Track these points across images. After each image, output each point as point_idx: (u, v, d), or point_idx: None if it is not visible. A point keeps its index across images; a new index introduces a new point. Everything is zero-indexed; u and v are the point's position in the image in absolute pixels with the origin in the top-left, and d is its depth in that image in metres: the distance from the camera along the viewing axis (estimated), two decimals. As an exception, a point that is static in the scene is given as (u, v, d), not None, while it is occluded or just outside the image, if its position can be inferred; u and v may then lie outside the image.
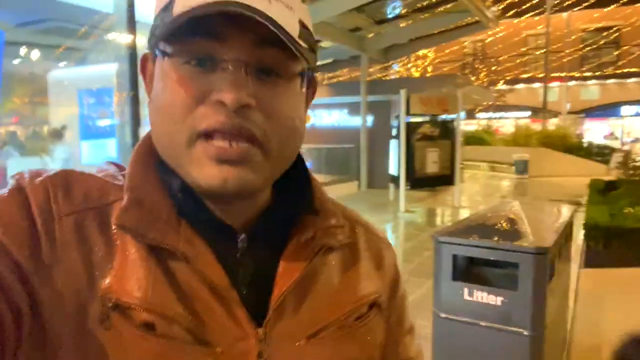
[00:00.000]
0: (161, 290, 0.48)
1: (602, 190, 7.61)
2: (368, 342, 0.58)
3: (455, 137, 9.78)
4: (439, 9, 11.79)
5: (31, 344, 0.45)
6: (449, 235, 2.17)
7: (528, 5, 23.99)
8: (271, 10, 0.46)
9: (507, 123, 24.92)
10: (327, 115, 13.23)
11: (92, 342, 0.46)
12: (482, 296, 2.08)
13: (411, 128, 9.21)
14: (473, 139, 18.25)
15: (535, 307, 1.99)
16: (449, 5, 11.37)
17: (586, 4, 24.14)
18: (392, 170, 9.94)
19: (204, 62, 0.47)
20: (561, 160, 15.51)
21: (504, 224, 2.43)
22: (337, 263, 0.58)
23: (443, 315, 2.18)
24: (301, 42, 0.48)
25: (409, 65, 23.08)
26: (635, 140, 21.99)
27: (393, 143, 9.81)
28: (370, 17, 11.51)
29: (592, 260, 4.80)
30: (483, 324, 2.07)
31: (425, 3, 11.49)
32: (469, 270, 2.16)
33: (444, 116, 9.79)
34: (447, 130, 9.76)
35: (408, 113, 9.05)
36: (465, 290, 2.12)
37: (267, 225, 0.55)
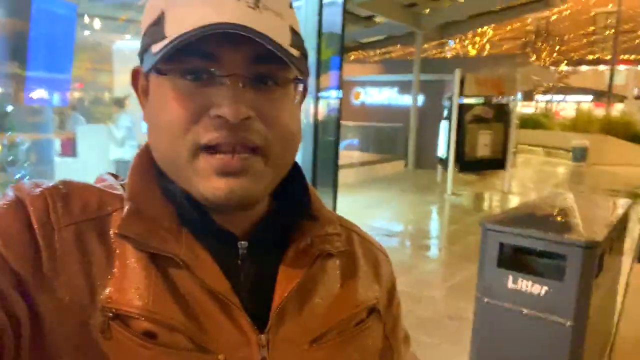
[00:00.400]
0: (162, 298, 0.48)
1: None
2: (368, 347, 0.59)
3: (510, 120, 9.47)
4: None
5: (31, 355, 0.45)
6: (497, 223, 2.19)
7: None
8: (262, 21, 0.46)
9: (568, 107, 23.69)
10: (377, 93, 13.11)
11: (93, 352, 0.46)
12: (526, 285, 2.11)
13: (464, 109, 9.00)
14: (530, 122, 17.54)
15: (579, 300, 2.00)
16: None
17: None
18: (441, 151, 9.79)
19: (200, 77, 0.48)
20: (623, 149, 14.67)
21: (554, 215, 2.42)
22: (335, 269, 0.58)
23: (486, 300, 2.23)
24: (293, 51, 0.49)
25: (466, 42, 22.25)
26: None
27: (443, 124, 9.63)
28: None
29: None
30: (526, 311, 2.11)
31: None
32: (515, 259, 2.19)
33: (498, 98, 9.48)
34: (501, 113, 9.47)
35: (461, 94, 8.83)
36: (510, 278, 2.15)
37: (267, 232, 0.55)
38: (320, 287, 0.56)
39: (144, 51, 0.51)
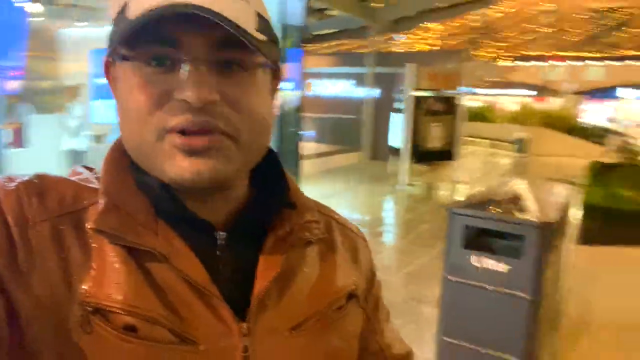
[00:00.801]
0: (141, 292, 0.48)
1: (600, 172, 7.82)
2: (348, 332, 0.60)
3: (458, 113, 9.90)
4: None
5: (10, 351, 0.45)
6: (462, 207, 2.36)
7: (539, -19, 23.58)
8: (225, 5, 0.46)
9: (510, 101, 24.92)
10: (331, 85, 13.25)
11: (73, 347, 0.46)
12: (489, 263, 2.29)
13: (416, 102, 9.31)
14: (475, 116, 18.34)
15: (536, 275, 2.20)
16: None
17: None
18: (393, 142, 10.08)
19: (163, 62, 0.48)
20: (560, 141, 15.67)
21: (511, 200, 2.62)
22: (314, 256, 0.59)
23: (452, 278, 2.39)
24: (258, 36, 0.48)
25: (416, 38, 22.87)
26: (637, 125, 22.11)
27: (395, 116, 9.91)
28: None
29: (588, 238, 5.04)
30: (489, 287, 2.29)
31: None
32: (478, 240, 2.36)
33: (448, 91, 9.88)
34: (451, 106, 9.87)
35: (414, 87, 9.13)
36: (474, 257, 2.33)
37: (245, 221, 0.55)
38: (300, 275, 0.56)
39: (110, 41, 0.50)
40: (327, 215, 0.65)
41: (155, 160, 0.50)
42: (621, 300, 3.88)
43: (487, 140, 17.50)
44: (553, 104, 21.03)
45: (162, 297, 0.49)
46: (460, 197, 5.35)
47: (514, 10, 24.34)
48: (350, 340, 0.60)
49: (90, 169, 0.57)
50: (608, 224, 5.34)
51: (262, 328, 0.52)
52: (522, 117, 17.43)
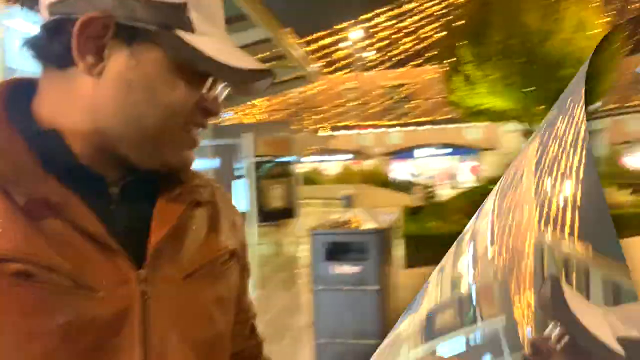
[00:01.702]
0: (34, 240, 0.48)
1: (411, 212, 9.60)
2: (231, 284, 0.66)
3: (293, 176, 11.11)
4: (270, 64, 13.25)
5: None
6: (322, 229, 3.05)
7: (342, 63, 27.78)
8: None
9: (332, 165, 27.89)
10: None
11: None
12: (344, 269, 2.98)
13: (256, 167, 10.21)
14: (306, 180, 20.18)
15: (379, 270, 2.96)
16: (276, 62, 12.93)
17: (386, 65, 28.98)
18: (238, 207, 10.64)
19: (205, 75, 0.57)
20: (377, 193, 18.25)
21: (352, 222, 3.42)
22: (203, 217, 0.64)
23: (319, 287, 3.01)
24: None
25: (243, 113, 24.50)
26: (430, 177, 26.77)
27: (237, 183, 10.63)
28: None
29: (409, 262, 6.26)
30: (347, 287, 2.96)
31: (256, 58, 12.80)
32: (335, 252, 3.06)
33: (282, 158, 11.09)
34: (286, 169, 11.04)
35: (253, 154, 10.03)
36: (333, 266, 3.00)
37: (138, 179, 0.58)
38: (191, 231, 0.61)
39: (155, 19, 0.52)
40: (211, 184, 0.70)
41: (167, 144, 0.57)
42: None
43: (319, 200, 19.31)
44: (367, 164, 24.43)
45: (57, 245, 0.49)
46: (304, 250, 6.20)
47: (325, 87, 28.00)
48: (232, 291, 0.67)
49: None
50: (421, 249, 6.70)
51: (158, 276, 0.55)
52: (345, 177, 19.83)
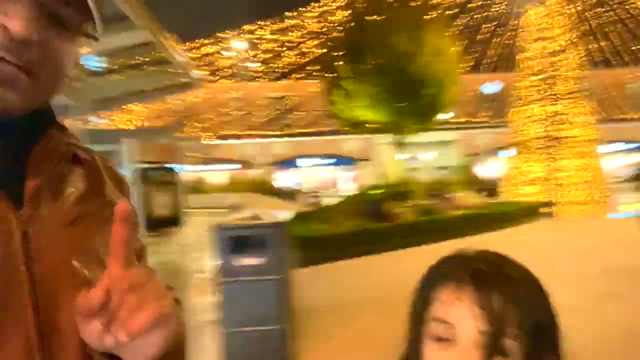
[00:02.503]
0: None
1: (298, 217, 10.12)
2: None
3: (178, 184, 10.97)
4: (151, 68, 12.86)
5: None
6: (226, 224, 3.29)
7: (226, 72, 27.73)
8: None
9: (217, 174, 27.56)
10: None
11: None
12: (249, 261, 3.26)
13: (141, 174, 9.86)
14: (190, 189, 19.74)
15: (280, 260, 3.29)
16: (158, 67, 12.61)
17: (270, 77, 29.58)
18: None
19: None
20: (265, 201, 18.59)
21: (253, 217, 3.71)
22: (82, 172, 0.65)
23: (226, 279, 3.25)
24: (92, 7, 0.57)
25: (119, 118, 23.11)
26: (314, 185, 27.88)
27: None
28: (82, 69, 11.58)
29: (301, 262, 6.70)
30: (253, 278, 3.24)
31: (136, 61, 12.40)
32: (239, 245, 3.32)
33: (167, 165, 10.89)
34: (172, 177, 10.85)
35: (137, 160, 9.68)
36: (238, 259, 3.26)
37: (11, 127, 0.57)
38: (70, 182, 0.62)
39: None
40: (92, 152, 0.70)
41: None
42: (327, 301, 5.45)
43: (205, 210, 19.02)
44: (254, 173, 24.69)
45: None
46: (193, 258, 6.42)
47: (209, 96, 27.65)
48: None
49: None
50: (307, 250, 7.21)
51: (40, 217, 0.57)
52: (232, 187, 19.82)
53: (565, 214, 15.01)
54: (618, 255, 7.57)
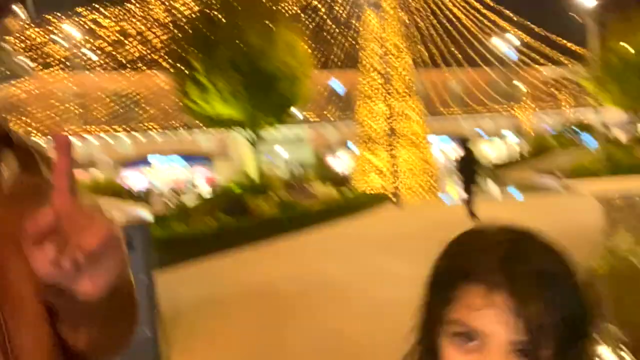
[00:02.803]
0: None
1: (155, 218, 9.66)
2: None
3: None
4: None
5: None
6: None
7: (54, 61, 24.66)
8: None
9: (51, 176, 24.55)
10: None
11: None
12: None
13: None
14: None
15: (146, 262, 3.15)
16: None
17: (111, 67, 27.16)
18: None
19: None
20: (115, 204, 17.11)
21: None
22: (13, 155, 0.63)
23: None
24: None
25: None
26: (169, 185, 26.49)
27: None
28: None
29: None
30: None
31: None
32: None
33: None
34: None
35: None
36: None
37: None
38: (4, 162, 0.61)
39: None
40: (28, 141, 0.69)
41: None
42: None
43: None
44: (96, 174, 22.45)
45: None
46: None
47: (38, 92, 24.33)
48: None
49: None
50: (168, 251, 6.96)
51: None
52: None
53: (407, 199, 16.86)
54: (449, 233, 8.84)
